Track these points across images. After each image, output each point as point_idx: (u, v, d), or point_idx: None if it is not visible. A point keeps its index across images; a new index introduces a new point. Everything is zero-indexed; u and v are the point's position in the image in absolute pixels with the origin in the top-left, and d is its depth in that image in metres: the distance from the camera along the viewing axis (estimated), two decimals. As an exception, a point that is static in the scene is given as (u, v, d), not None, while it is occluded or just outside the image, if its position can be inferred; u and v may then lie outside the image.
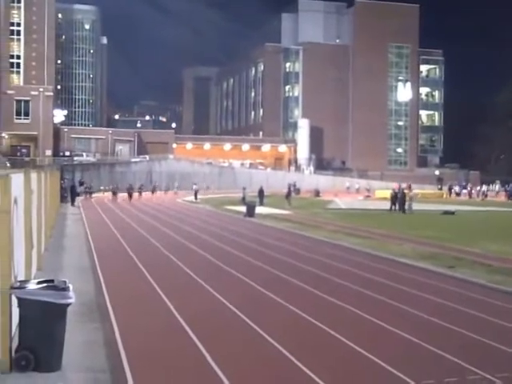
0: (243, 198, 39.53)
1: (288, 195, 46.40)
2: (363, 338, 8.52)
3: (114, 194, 50.72)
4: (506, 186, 67.27)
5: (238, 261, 16.27)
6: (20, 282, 7.47)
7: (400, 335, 8.76)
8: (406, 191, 42.05)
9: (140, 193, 57.44)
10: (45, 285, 7.04)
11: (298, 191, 65.01)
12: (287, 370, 7.16)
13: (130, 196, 50.13)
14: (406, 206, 38.78)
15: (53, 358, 6.93)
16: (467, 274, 14.29)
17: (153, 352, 7.73)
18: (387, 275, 14.18)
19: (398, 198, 39.71)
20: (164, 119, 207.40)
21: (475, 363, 7.44)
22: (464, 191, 69.48)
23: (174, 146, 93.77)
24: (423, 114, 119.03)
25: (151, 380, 6.78)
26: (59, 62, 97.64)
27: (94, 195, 53.79)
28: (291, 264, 15.81)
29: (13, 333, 7.09)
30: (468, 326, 9.30)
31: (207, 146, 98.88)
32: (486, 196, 63.21)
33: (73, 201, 42.39)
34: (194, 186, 55.32)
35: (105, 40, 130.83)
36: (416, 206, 39.50)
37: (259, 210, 34.97)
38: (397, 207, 39.18)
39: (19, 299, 6.86)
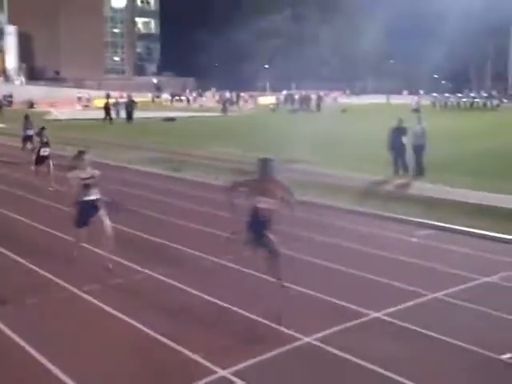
0: None
1: (-1, 107, 42.97)
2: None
3: None
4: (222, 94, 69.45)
5: None
6: None
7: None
8: (133, 100, 41.74)
9: None
10: None
11: (10, 103, 60.48)
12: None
13: None
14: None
15: None
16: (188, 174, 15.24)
17: None
18: (115, 181, 13.79)
19: (126, 108, 38.96)
20: None
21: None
22: (183, 98, 71.16)
23: None
24: (139, 21, 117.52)
25: None
26: None
27: None
28: None
29: None
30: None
31: None
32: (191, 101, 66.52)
33: None
34: None
35: None
36: (137, 114, 39.28)
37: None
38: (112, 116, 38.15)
39: None
